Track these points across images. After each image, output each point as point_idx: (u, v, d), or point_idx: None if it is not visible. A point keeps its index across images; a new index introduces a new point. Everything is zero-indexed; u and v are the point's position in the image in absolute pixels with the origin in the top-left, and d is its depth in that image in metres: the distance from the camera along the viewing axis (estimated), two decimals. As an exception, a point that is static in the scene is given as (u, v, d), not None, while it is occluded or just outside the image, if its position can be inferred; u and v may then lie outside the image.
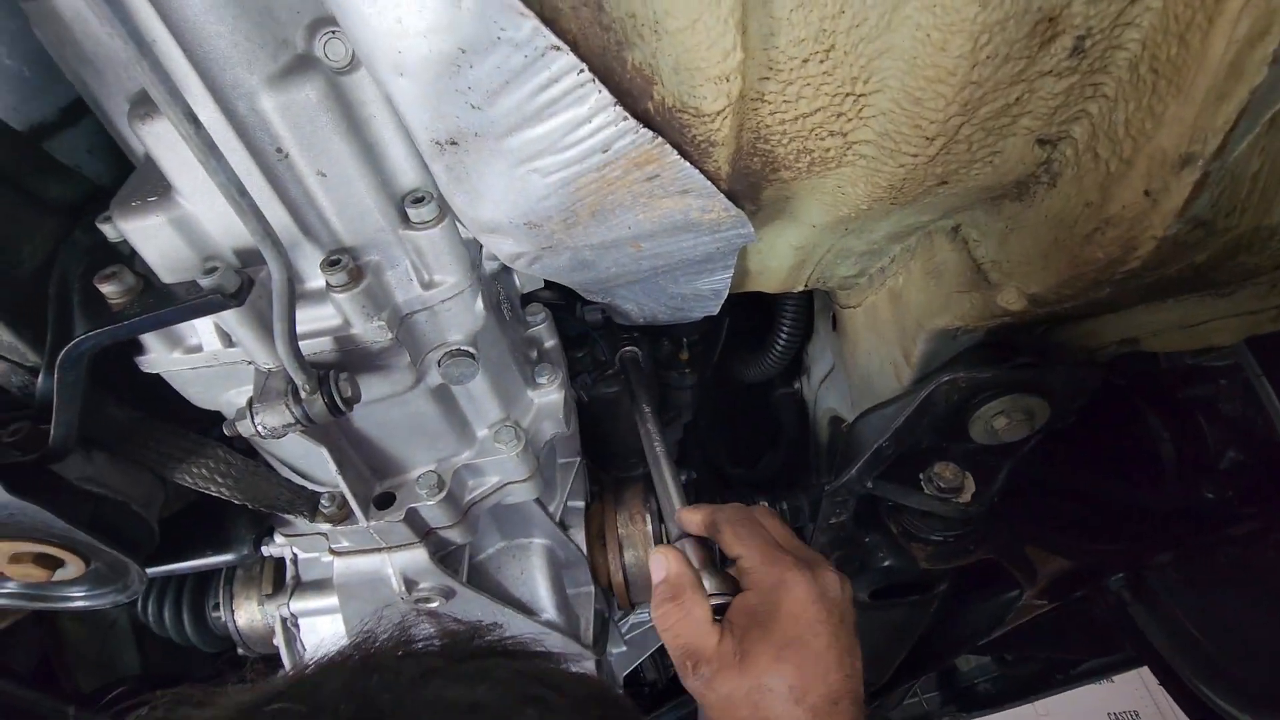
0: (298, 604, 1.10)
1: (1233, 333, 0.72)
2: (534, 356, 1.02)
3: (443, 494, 0.87)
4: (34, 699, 1.11)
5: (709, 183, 0.54)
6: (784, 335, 1.38)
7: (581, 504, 1.26)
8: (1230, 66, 0.42)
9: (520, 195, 0.51)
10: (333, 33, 0.57)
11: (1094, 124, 0.51)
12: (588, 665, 1.23)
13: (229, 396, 0.77)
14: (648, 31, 0.44)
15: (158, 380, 0.78)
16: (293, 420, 0.68)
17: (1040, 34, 0.46)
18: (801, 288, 1.10)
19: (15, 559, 0.76)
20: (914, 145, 0.54)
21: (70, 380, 0.66)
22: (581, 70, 0.42)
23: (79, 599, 0.83)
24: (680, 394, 1.56)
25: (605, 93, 0.44)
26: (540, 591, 1.11)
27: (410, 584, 0.95)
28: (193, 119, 0.52)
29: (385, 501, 0.88)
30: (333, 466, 0.80)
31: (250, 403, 0.69)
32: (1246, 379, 1.14)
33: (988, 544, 0.93)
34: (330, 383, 0.68)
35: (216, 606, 1.23)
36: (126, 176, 0.68)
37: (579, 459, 1.18)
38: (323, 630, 1.12)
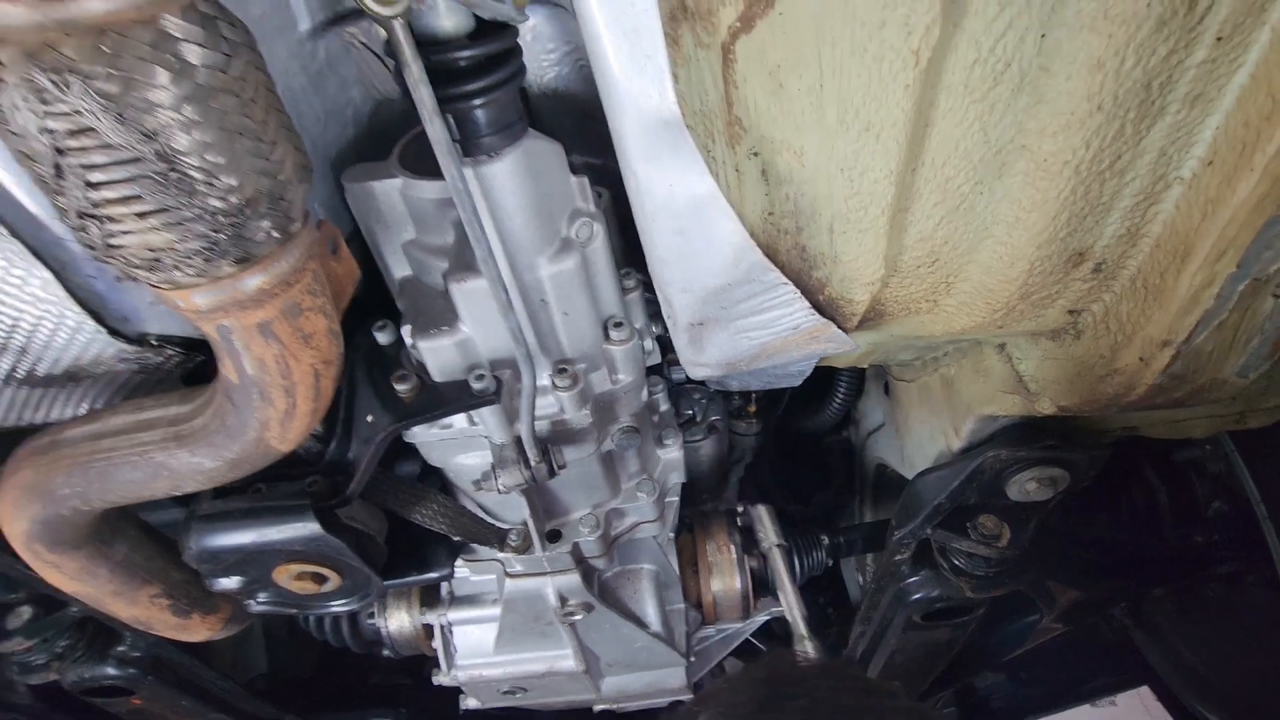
0: (454, 614, 1.36)
1: (1205, 429, 0.98)
2: (655, 420, 1.28)
3: (600, 532, 1.13)
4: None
5: (847, 338, 0.80)
6: (841, 394, 1.65)
7: (673, 534, 1.52)
8: (1190, 296, 0.68)
9: (730, 350, 0.78)
10: (584, 221, 0.84)
11: (1106, 308, 0.78)
12: (680, 671, 1.48)
13: (459, 459, 1.04)
14: (829, 261, 0.70)
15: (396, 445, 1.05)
16: (523, 481, 0.95)
17: (1073, 261, 0.72)
18: (868, 364, 1.37)
19: (299, 577, 1.02)
20: (980, 312, 0.81)
21: (375, 451, 0.92)
22: (792, 290, 0.69)
23: (335, 605, 1.09)
24: (745, 440, 1.82)
25: (801, 299, 0.70)
26: (649, 608, 1.37)
27: (563, 601, 1.21)
28: (501, 283, 0.79)
29: (555, 537, 1.14)
30: (527, 512, 1.06)
31: (493, 468, 0.95)
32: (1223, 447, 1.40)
33: (1019, 579, 1.18)
34: (550, 454, 0.95)
35: (372, 615, 1.49)
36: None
37: (678, 498, 1.44)
38: (470, 637, 1.38)
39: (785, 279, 0.67)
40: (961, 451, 1.17)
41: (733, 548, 1.47)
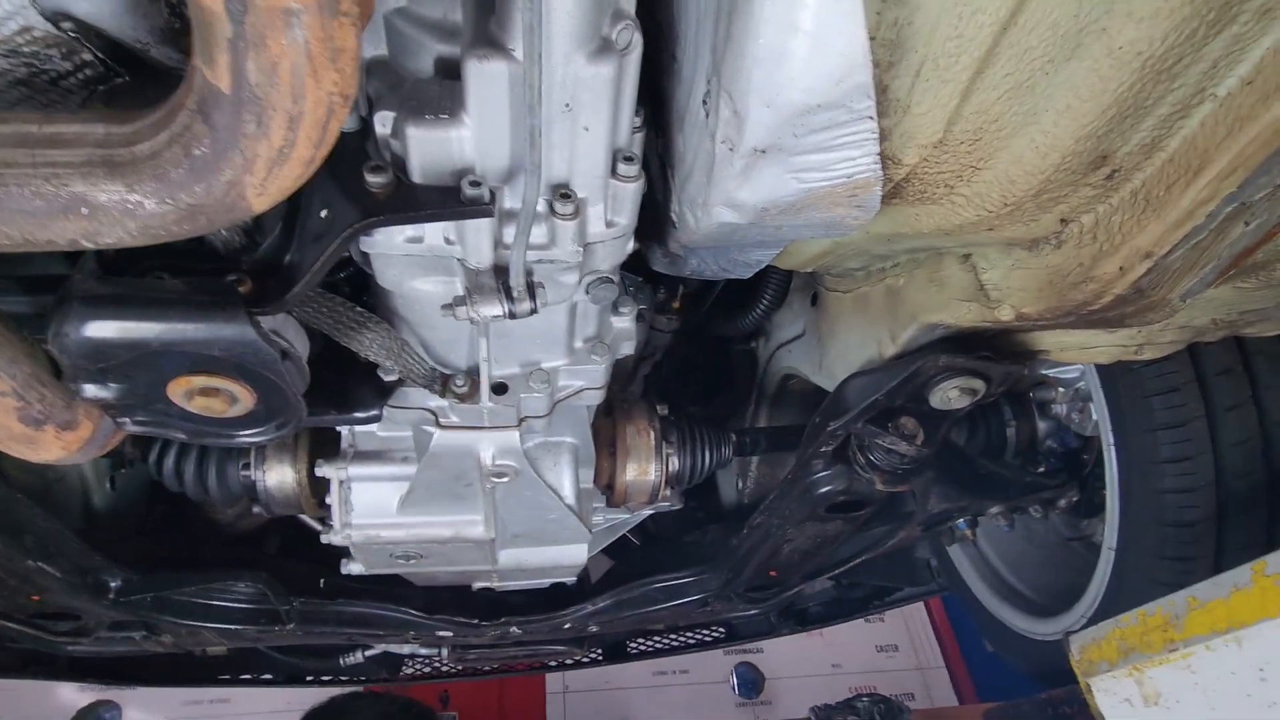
0: (356, 469, 1.24)
1: (1109, 355, 1.12)
2: (610, 288, 1.22)
3: (547, 387, 1.07)
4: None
5: (876, 204, 0.80)
6: (766, 300, 1.68)
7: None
8: (1187, 211, 0.75)
9: (775, 190, 0.74)
10: (626, 25, 0.75)
11: (1098, 219, 0.84)
12: (583, 549, 1.48)
13: (414, 284, 0.92)
14: (900, 109, 0.69)
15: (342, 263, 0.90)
16: (501, 313, 0.86)
17: (1095, 164, 0.77)
18: (809, 270, 1.40)
19: (204, 393, 0.86)
20: (991, 205, 0.84)
21: (330, 252, 0.78)
22: (872, 129, 0.66)
23: (242, 434, 0.93)
24: (661, 336, 1.82)
25: (875, 142, 0.68)
26: (565, 481, 1.34)
27: (495, 459, 1.14)
28: (539, 67, 0.69)
29: (501, 389, 1.06)
30: (482, 354, 0.97)
31: (467, 294, 0.85)
32: (1080, 390, 1.62)
33: (918, 477, 1.31)
34: (536, 286, 0.87)
35: (246, 465, 1.33)
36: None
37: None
38: (371, 495, 1.27)
39: (874, 113, 0.64)
40: (893, 358, 1.25)
41: (652, 433, 1.47)
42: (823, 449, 1.27)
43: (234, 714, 4.00)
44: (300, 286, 0.80)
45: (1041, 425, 1.79)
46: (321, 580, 1.75)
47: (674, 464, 1.50)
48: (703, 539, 1.94)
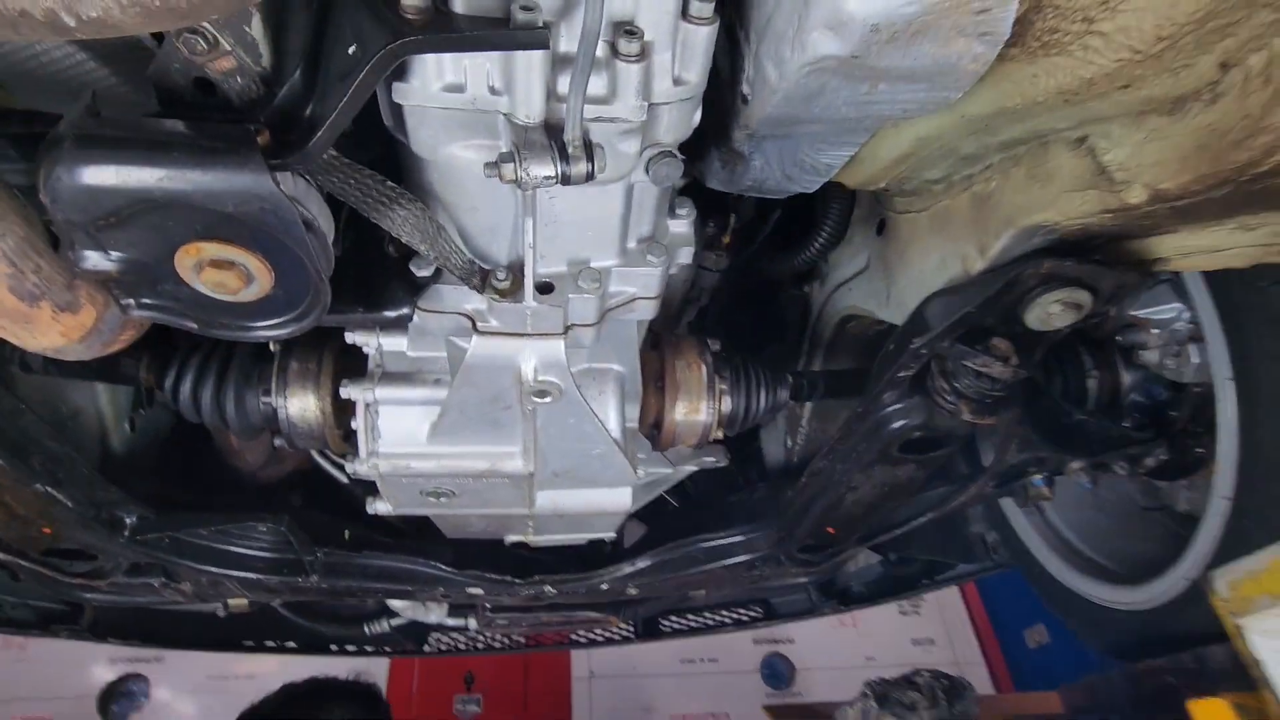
0: (382, 390, 1.13)
1: (1245, 259, 0.97)
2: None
3: (599, 289, 0.95)
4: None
5: (1006, 33, 0.67)
6: (825, 234, 1.55)
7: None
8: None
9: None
10: None
11: (1272, 56, 0.69)
12: (627, 494, 1.36)
13: (453, 149, 0.80)
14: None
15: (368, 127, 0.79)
16: (554, 175, 0.74)
17: (1282, -26, 0.63)
18: (881, 185, 1.27)
19: (216, 265, 0.76)
20: (1141, 44, 0.70)
21: (358, 88, 0.67)
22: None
23: (260, 326, 0.83)
24: (708, 276, 1.69)
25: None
26: (611, 413, 1.22)
27: (537, 373, 1.02)
28: None
29: (547, 289, 0.95)
30: (529, 238, 0.85)
31: (517, 149, 0.73)
32: (1176, 331, 1.46)
33: (1008, 410, 1.16)
34: (595, 149, 0.75)
35: (268, 391, 1.23)
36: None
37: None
38: (400, 421, 1.16)
39: None
40: (982, 274, 1.11)
41: (704, 368, 1.34)
42: (899, 375, 1.13)
43: (260, 690, 3.97)
44: (325, 131, 0.69)
45: (1127, 376, 1.63)
46: (346, 532, 1.66)
47: (727, 403, 1.37)
48: (749, 498, 1.81)
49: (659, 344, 1.37)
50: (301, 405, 1.23)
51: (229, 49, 0.70)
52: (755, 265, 1.71)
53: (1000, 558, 2.25)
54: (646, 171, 0.86)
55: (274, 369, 1.22)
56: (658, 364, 1.34)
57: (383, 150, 0.89)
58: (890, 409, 1.19)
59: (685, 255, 1.07)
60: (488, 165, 0.75)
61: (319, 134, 0.69)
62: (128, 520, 1.33)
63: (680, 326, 1.73)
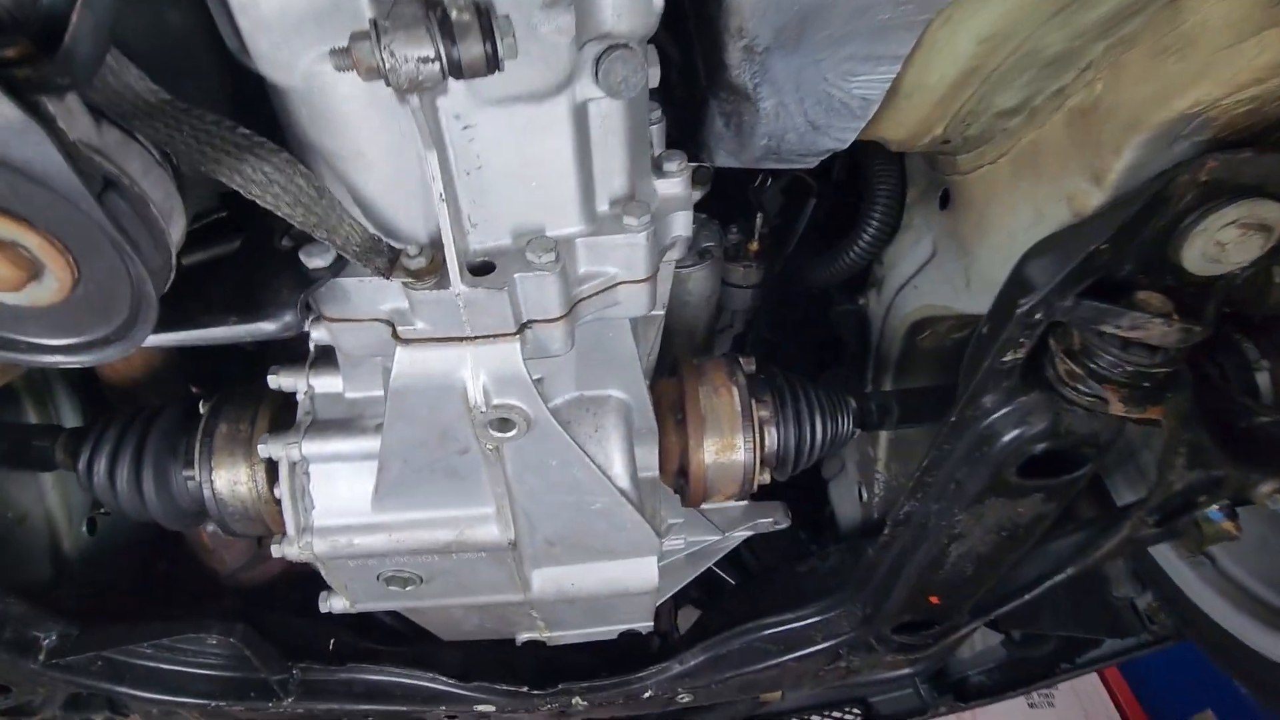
0: (311, 445, 0.87)
1: None
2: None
3: (557, 264, 0.68)
4: None
5: None
6: (875, 222, 1.25)
7: (647, 381, 1.08)
8: None
9: None
10: None
11: None
12: (651, 564, 1.04)
13: (310, 61, 0.57)
14: None
15: (191, 50, 0.58)
16: (433, 56, 0.49)
17: None
18: (937, 135, 0.98)
19: (-23, 244, 0.53)
20: None
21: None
22: None
23: (53, 349, 0.59)
24: (740, 295, 1.41)
25: None
26: (615, 454, 0.92)
27: (488, 395, 0.74)
28: None
29: (485, 268, 0.68)
30: (438, 184, 0.60)
31: (374, 24, 0.49)
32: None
33: (1180, 396, 0.81)
34: (494, 23, 0.50)
35: (190, 463, 0.99)
36: None
37: (663, 313, 1.00)
38: (340, 486, 0.89)
39: None
40: (1105, 207, 0.79)
41: (735, 391, 1.04)
42: (1003, 362, 0.80)
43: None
44: (77, 21, 0.46)
45: (1309, 364, 1.22)
46: (331, 641, 1.37)
47: (770, 435, 1.05)
48: (821, 566, 1.43)
49: (676, 368, 1.08)
50: (230, 478, 0.98)
51: (-23, -62, 0.50)
52: (795, 276, 1.42)
53: (1161, 628, 1.76)
54: (596, 78, 0.61)
55: (197, 435, 0.98)
56: (676, 391, 1.05)
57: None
58: (997, 414, 0.84)
59: (681, 224, 0.79)
60: (336, 53, 0.50)
61: (74, 25, 0.46)
62: (44, 640, 1.09)
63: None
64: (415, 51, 0.49)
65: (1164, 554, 1.51)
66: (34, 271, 0.55)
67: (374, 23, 0.49)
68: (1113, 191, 0.78)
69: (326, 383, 0.89)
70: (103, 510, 1.46)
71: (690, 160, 0.94)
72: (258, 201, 0.59)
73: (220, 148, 0.58)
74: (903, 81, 0.86)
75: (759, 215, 1.30)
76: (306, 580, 1.65)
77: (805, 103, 0.86)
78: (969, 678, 2.12)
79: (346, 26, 0.54)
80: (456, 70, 0.50)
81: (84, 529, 1.42)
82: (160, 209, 0.60)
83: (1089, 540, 1.17)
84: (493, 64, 0.51)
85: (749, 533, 1.46)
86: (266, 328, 0.66)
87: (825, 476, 1.73)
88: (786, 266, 1.41)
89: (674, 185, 0.79)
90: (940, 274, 1.18)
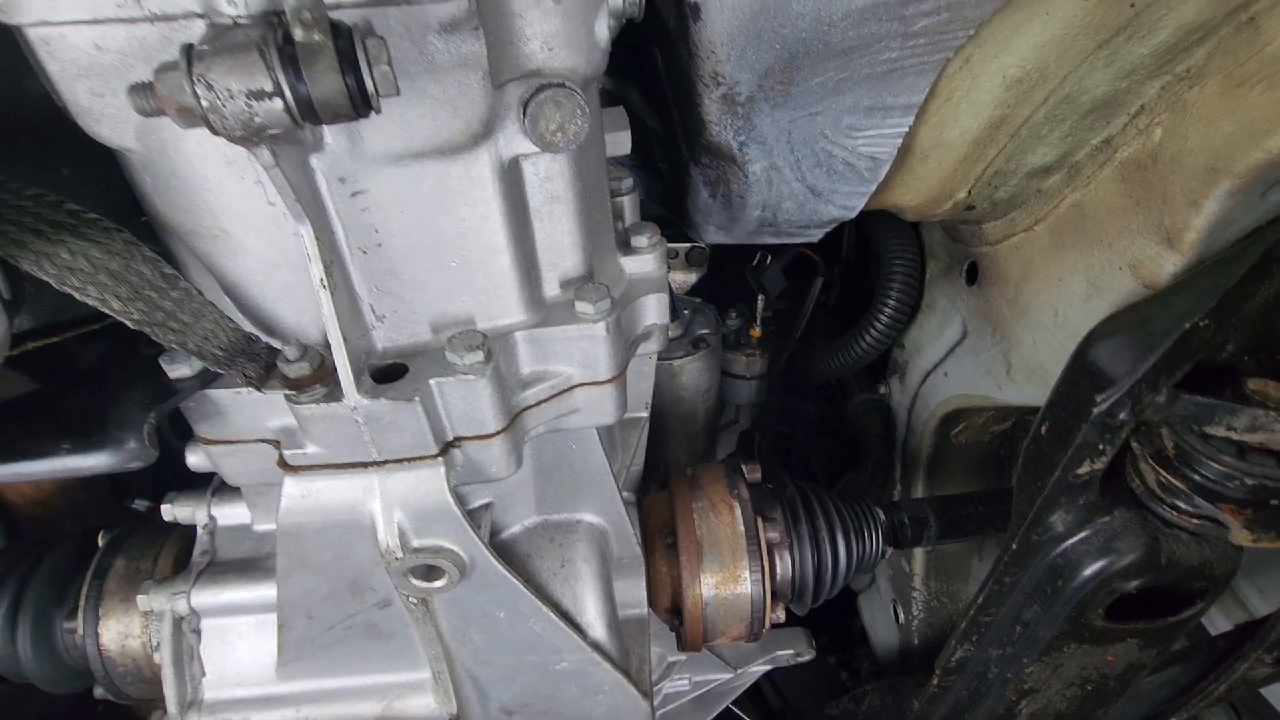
0: (204, 595, 0.69)
1: None
2: (617, 225, 0.70)
3: (488, 365, 0.52)
4: None
5: None
6: (892, 301, 1.10)
7: (632, 496, 0.90)
8: None
9: None
10: None
11: None
12: (637, 729, 0.82)
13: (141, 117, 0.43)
14: None
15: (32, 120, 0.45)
16: (269, 89, 0.35)
17: None
18: (960, 200, 0.84)
19: None
20: None
21: None
22: None
23: None
24: (743, 387, 1.24)
25: None
26: (587, 597, 0.73)
27: (406, 536, 0.57)
28: None
29: (395, 373, 0.53)
30: (316, 267, 0.45)
31: (188, 48, 0.36)
32: None
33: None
34: (358, 42, 0.36)
35: (73, 614, 0.81)
36: None
37: (646, 415, 0.84)
38: (239, 647, 0.71)
39: None
40: (1185, 272, 0.63)
41: (737, 508, 0.85)
42: (1077, 473, 0.62)
43: None
44: None
45: None
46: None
47: (782, 561, 0.86)
48: (857, 711, 1.19)
49: (667, 482, 0.90)
50: (121, 631, 0.80)
51: None
52: (805, 365, 1.25)
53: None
54: (524, 126, 0.47)
55: (87, 576, 0.81)
56: (666, 510, 0.86)
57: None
58: (1073, 540, 0.65)
59: (655, 310, 0.64)
60: (134, 89, 0.37)
61: None
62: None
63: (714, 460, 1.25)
64: (242, 84, 0.35)
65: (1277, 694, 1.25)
66: None
67: (187, 48, 0.36)
68: (1193, 253, 0.63)
69: (231, 513, 0.72)
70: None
71: (685, 241, 0.81)
72: (75, 296, 0.45)
73: (29, 227, 0.45)
74: (917, 138, 0.73)
75: (760, 298, 1.15)
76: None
77: (802, 165, 0.72)
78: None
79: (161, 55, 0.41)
80: (308, 111, 0.36)
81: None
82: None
83: (1191, 680, 0.94)
84: (362, 102, 0.37)
85: (766, 668, 1.23)
86: (102, 460, 0.50)
87: (854, 589, 1.50)
88: (795, 354, 1.24)
89: (645, 263, 0.64)
90: (974, 360, 1.01)
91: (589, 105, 0.47)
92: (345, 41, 0.36)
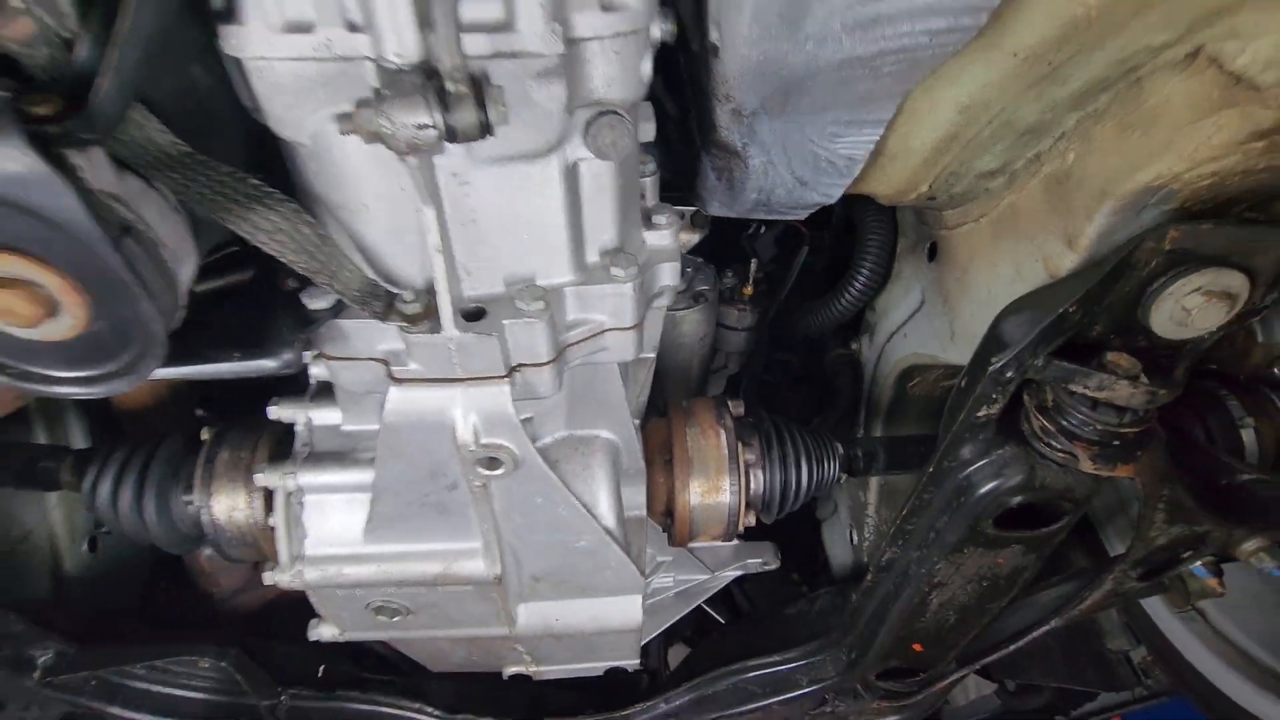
0: (307, 475, 0.90)
1: None
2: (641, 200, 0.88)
3: (546, 312, 0.71)
4: None
5: None
6: (865, 273, 1.28)
7: (638, 421, 1.11)
8: None
9: None
10: None
11: None
12: (635, 602, 1.05)
13: (318, 121, 0.61)
14: None
15: (213, 107, 0.62)
16: (430, 124, 0.53)
17: None
18: (923, 192, 1.02)
19: (2, 283, 0.57)
20: None
21: (146, 9, 0.49)
22: None
23: (64, 380, 0.63)
24: (733, 337, 1.44)
25: None
26: (601, 494, 0.94)
27: (478, 435, 0.77)
28: None
29: (477, 314, 0.72)
30: (434, 236, 0.64)
31: (376, 93, 0.53)
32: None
33: (1152, 455, 0.82)
34: (487, 94, 0.54)
35: (189, 488, 1.02)
36: None
37: (653, 356, 1.03)
38: (332, 516, 0.92)
39: None
40: (1079, 267, 0.82)
41: (722, 434, 1.06)
42: (978, 415, 0.82)
43: None
44: (106, 81, 0.51)
45: (1293, 423, 1.24)
46: (321, 668, 1.38)
47: (756, 479, 1.07)
48: (809, 609, 1.44)
49: (666, 410, 1.11)
50: (229, 504, 1.01)
51: (22, 8, 0.55)
52: (788, 321, 1.45)
53: (1155, 682, 1.74)
54: (586, 140, 0.65)
55: (199, 462, 1.01)
56: (664, 433, 1.07)
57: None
58: (974, 466, 0.87)
59: (669, 274, 0.83)
60: (341, 117, 0.55)
61: (99, 83, 0.51)
62: (40, 658, 1.11)
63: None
64: (413, 119, 0.53)
65: (1156, 608, 1.51)
66: (51, 309, 0.59)
67: (376, 92, 0.53)
68: (1085, 255, 0.81)
69: (325, 415, 0.92)
70: (104, 530, 1.49)
71: (687, 205, 0.98)
72: (263, 248, 0.64)
73: (231, 197, 0.63)
74: (886, 144, 0.90)
75: (753, 261, 1.33)
76: (299, 606, 1.67)
77: (792, 161, 0.90)
78: (964, 727, 2.09)
79: (352, 91, 0.58)
80: (451, 136, 0.54)
81: (85, 548, 1.45)
82: (172, 253, 0.64)
83: (1075, 592, 1.18)
84: (485, 130, 0.55)
85: (738, 572, 1.47)
86: (268, 364, 0.70)
87: (819, 518, 1.74)
88: (780, 311, 1.44)
89: (663, 237, 0.83)
90: (928, 324, 1.21)
91: (636, 123, 0.65)
92: (479, 89, 0.54)
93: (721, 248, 1.38)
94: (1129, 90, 0.74)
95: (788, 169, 0.91)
